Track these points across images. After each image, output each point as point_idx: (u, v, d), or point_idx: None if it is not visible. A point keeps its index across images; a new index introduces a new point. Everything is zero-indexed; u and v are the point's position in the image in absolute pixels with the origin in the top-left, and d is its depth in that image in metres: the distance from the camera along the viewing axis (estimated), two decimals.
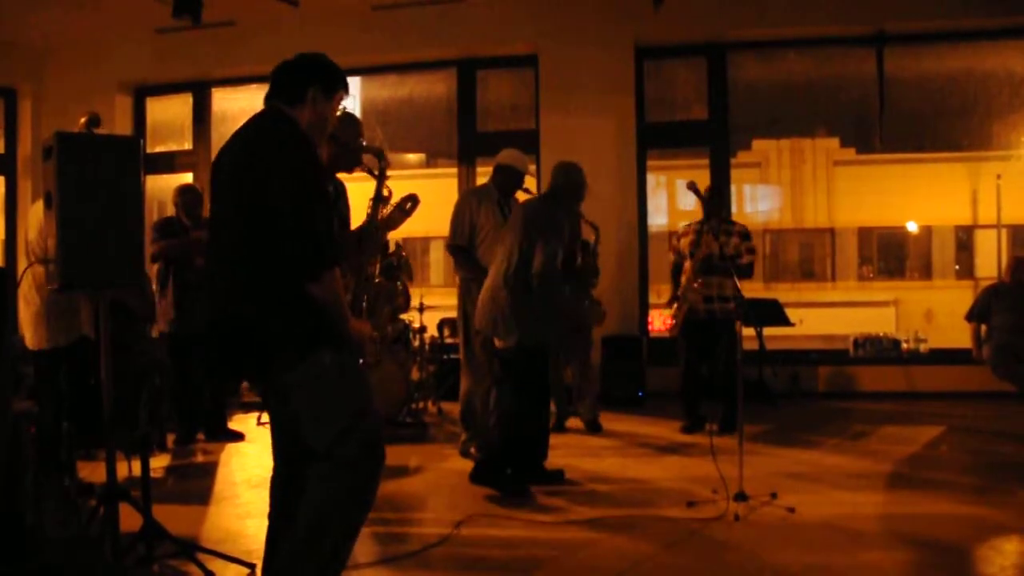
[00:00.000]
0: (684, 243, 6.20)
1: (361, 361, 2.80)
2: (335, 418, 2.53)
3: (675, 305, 6.18)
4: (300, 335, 2.51)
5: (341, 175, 3.57)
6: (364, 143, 3.81)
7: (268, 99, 2.75)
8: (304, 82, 2.71)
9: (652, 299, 8.56)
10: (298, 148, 2.56)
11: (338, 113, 2.92)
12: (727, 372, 5.90)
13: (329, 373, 2.54)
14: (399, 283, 6.67)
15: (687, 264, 6.12)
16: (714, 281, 6.01)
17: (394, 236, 5.70)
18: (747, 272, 5.99)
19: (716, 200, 6.19)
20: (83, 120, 4.91)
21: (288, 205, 2.47)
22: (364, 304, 4.11)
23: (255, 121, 2.73)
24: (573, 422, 6.47)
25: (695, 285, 5.92)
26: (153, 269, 6.04)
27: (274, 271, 2.49)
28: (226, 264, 2.61)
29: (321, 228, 2.53)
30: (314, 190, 2.55)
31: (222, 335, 2.61)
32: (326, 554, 2.53)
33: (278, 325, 2.50)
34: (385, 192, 3.92)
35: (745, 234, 6.16)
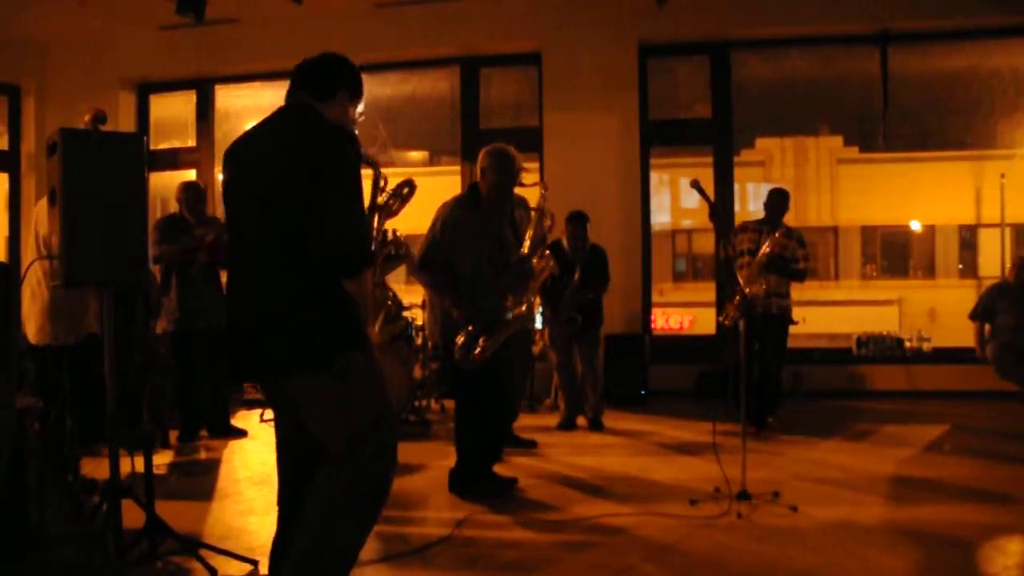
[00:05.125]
0: (743, 239, 6.33)
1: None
2: (358, 418, 2.51)
3: (736, 298, 6.24)
4: (335, 333, 2.48)
5: None
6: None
7: (294, 92, 2.70)
8: (336, 82, 2.69)
9: (655, 297, 8.54)
10: (347, 144, 2.52)
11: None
12: (771, 366, 6.12)
13: (357, 372, 2.52)
14: (389, 293, 6.63)
15: (744, 260, 6.21)
16: (771, 279, 6.18)
17: (392, 225, 5.70)
18: (800, 277, 6.30)
19: (780, 204, 6.34)
20: (88, 117, 4.91)
21: (336, 201, 2.44)
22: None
23: (290, 115, 2.66)
24: (580, 420, 6.48)
25: (760, 282, 6.09)
26: (155, 267, 6.04)
27: (310, 268, 2.46)
28: (254, 261, 2.57)
29: (363, 226, 2.54)
30: (359, 187, 2.53)
31: (249, 334, 2.57)
32: (338, 553, 2.51)
33: (313, 323, 2.47)
34: (380, 200, 3.88)
35: (802, 241, 6.37)
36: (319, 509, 2.50)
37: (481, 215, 4.42)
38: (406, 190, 4.34)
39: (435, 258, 4.35)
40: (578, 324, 6.31)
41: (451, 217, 4.38)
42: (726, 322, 6.31)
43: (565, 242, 6.46)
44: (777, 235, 6.05)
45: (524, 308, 4.27)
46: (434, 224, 4.41)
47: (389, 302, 6.48)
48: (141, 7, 7.92)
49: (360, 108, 2.82)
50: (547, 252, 4.90)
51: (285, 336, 2.49)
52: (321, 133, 2.54)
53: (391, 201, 4.20)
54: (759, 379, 6.16)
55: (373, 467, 2.52)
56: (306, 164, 2.46)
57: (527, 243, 4.50)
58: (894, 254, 19.99)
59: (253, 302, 2.58)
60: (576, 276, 6.27)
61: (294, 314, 2.48)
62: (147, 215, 3.51)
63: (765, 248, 6.03)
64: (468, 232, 4.36)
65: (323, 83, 2.68)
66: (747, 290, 6.08)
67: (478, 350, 4.22)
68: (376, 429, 2.52)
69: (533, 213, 4.97)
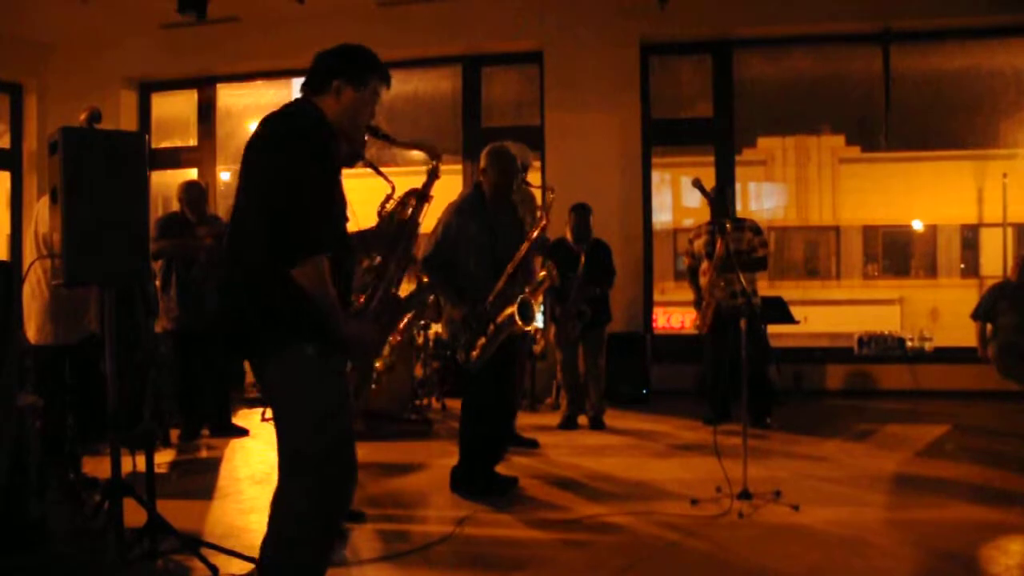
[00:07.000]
0: (698, 244, 6.41)
1: (377, 363, 2.77)
2: (305, 416, 2.49)
3: (703, 304, 6.27)
4: (280, 321, 2.46)
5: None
6: (407, 140, 3.73)
7: (302, 87, 2.73)
8: (328, 73, 2.66)
9: (656, 296, 8.54)
10: (305, 132, 2.51)
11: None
12: (756, 365, 6.03)
13: (306, 367, 2.48)
14: (431, 296, 6.57)
15: (704, 265, 6.24)
16: (735, 277, 6.11)
17: None
18: (762, 265, 6.30)
19: (721, 199, 6.27)
20: (84, 116, 4.90)
21: (281, 186, 2.43)
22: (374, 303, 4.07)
23: (279, 109, 2.69)
24: (581, 419, 6.48)
25: (721, 283, 6.06)
26: (156, 266, 6.04)
27: (264, 254, 2.45)
28: (232, 247, 2.61)
29: (311, 214, 2.43)
30: (312, 175, 2.47)
31: (222, 317, 2.61)
32: (307, 558, 2.51)
33: (262, 308, 2.47)
34: (388, 207, 3.82)
35: (756, 229, 6.38)
36: (282, 514, 2.50)
37: (486, 215, 4.45)
38: (414, 200, 4.38)
39: (438, 259, 4.38)
40: (587, 317, 6.29)
41: (454, 219, 4.41)
42: (702, 330, 6.29)
43: (568, 234, 6.46)
44: (728, 229, 6.01)
45: (514, 308, 4.26)
46: (437, 226, 4.44)
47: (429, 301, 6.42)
48: (143, 6, 7.92)
49: (380, 94, 2.76)
50: (549, 262, 4.92)
51: (243, 323, 2.52)
52: (281, 123, 2.55)
53: (399, 208, 4.21)
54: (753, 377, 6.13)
55: (327, 469, 2.49)
56: (261, 153, 2.52)
57: (526, 245, 4.51)
58: (896, 253, 19.96)
59: (224, 290, 2.61)
60: (580, 267, 6.23)
61: (249, 302, 2.50)
62: (148, 214, 3.51)
63: (716, 253, 6.03)
64: (471, 233, 4.38)
65: (318, 76, 2.68)
66: (715, 292, 6.09)
67: (475, 352, 4.24)
68: (327, 428, 2.49)
69: (539, 213, 4.98)
